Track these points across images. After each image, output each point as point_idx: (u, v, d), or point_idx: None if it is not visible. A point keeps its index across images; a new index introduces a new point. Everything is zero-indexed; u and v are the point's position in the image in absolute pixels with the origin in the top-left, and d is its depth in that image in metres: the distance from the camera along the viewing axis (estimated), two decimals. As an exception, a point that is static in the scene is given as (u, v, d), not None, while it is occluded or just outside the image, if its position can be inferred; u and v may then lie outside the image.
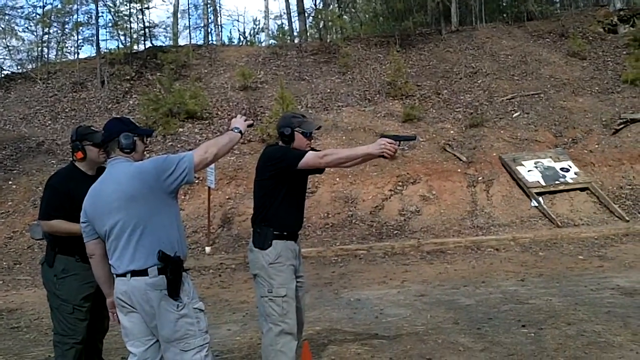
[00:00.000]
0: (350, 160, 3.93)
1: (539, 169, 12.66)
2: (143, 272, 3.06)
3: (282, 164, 3.87)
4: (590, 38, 19.36)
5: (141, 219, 3.08)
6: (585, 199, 12.19)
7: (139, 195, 3.07)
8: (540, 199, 12.02)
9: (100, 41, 19.51)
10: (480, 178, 12.87)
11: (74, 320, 3.97)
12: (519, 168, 12.71)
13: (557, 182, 12.37)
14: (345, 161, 3.93)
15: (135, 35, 21.12)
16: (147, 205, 3.08)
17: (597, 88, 16.31)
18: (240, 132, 3.43)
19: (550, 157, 13.07)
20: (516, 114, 15.24)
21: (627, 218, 11.40)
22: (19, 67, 20.92)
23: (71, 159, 4.22)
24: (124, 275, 3.11)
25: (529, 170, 12.63)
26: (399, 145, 3.78)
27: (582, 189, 12.37)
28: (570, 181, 12.43)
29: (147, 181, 3.09)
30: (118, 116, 3.77)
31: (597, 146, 13.70)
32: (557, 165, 12.76)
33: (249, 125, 3.61)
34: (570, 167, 12.76)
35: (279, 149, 4.03)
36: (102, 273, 3.34)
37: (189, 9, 40.25)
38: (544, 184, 12.33)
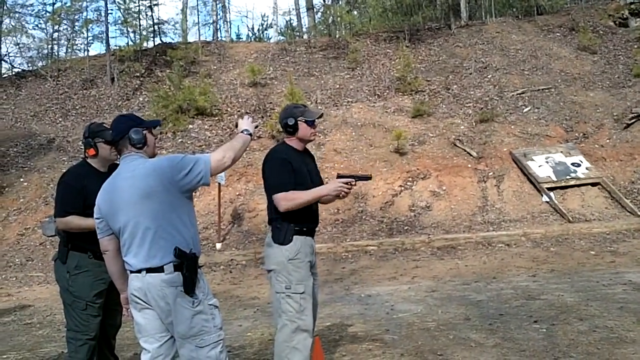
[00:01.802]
0: (310, 203, 3.89)
1: (549, 164, 12.60)
2: (159, 269, 3.08)
3: (265, 182, 3.90)
4: (601, 32, 19.24)
5: (156, 216, 3.09)
6: (597, 194, 12.12)
7: (154, 193, 3.08)
8: (552, 194, 11.97)
9: (109, 38, 19.59)
10: (490, 173, 12.83)
11: (86, 317, 3.99)
12: (529, 163, 12.66)
13: (568, 177, 12.30)
14: (305, 205, 3.85)
15: (144, 32, 21.19)
16: (163, 203, 3.09)
17: (608, 82, 16.21)
18: (249, 134, 3.43)
19: (561, 152, 13.01)
20: (527, 108, 15.17)
21: (639, 213, 11.32)
22: (29, 65, 21.06)
23: (83, 156, 4.24)
24: (138, 272, 3.12)
25: (539, 166, 12.57)
26: (354, 184, 3.86)
27: (593, 184, 12.30)
28: (582, 176, 12.36)
29: (162, 179, 3.09)
30: (123, 113, 3.76)
31: (608, 141, 13.62)
32: (568, 160, 12.69)
33: (256, 127, 3.60)
34: (582, 162, 12.69)
35: (274, 164, 3.92)
36: (116, 269, 3.35)
37: (197, 6, 40.35)
38: (555, 179, 12.27)
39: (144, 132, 3.28)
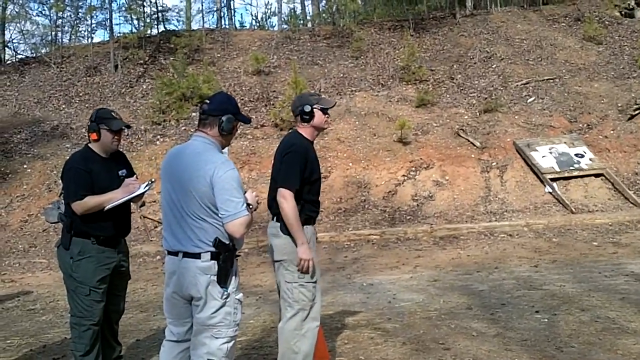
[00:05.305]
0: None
1: (553, 154, 12.57)
2: (196, 255, 3.12)
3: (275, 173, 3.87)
4: (607, 22, 19.11)
5: (200, 206, 3.11)
6: (600, 185, 12.10)
7: (201, 186, 3.10)
8: (555, 184, 11.95)
9: (113, 25, 19.57)
10: (494, 163, 12.81)
11: (90, 302, 4.01)
12: (533, 154, 12.63)
13: (571, 168, 12.28)
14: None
15: (148, 19, 21.08)
16: (208, 195, 3.10)
17: (612, 73, 16.13)
18: (252, 209, 3.29)
19: (565, 142, 12.97)
20: (531, 99, 15.12)
21: (642, 204, 11.32)
22: (33, 52, 20.94)
23: (86, 142, 4.25)
24: (175, 254, 3.19)
25: (543, 156, 12.54)
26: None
27: (596, 175, 12.27)
28: (585, 167, 12.33)
29: (208, 182, 3.09)
30: (228, 93, 3.71)
31: (612, 132, 13.58)
32: (572, 151, 12.66)
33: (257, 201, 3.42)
34: (585, 152, 12.65)
35: (291, 157, 3.84)
36: None
37: (201, -7, 39.96)
38: (558, 169, 12.24)
39: (234, 123, 3.29)
